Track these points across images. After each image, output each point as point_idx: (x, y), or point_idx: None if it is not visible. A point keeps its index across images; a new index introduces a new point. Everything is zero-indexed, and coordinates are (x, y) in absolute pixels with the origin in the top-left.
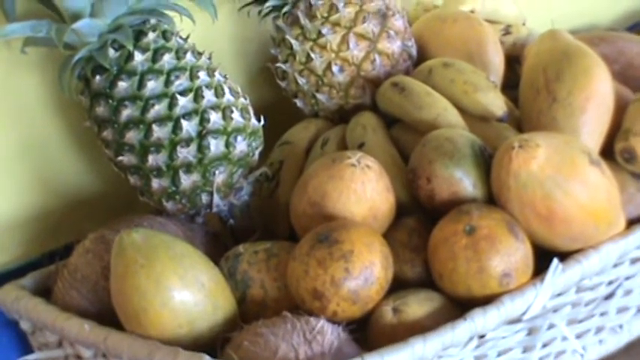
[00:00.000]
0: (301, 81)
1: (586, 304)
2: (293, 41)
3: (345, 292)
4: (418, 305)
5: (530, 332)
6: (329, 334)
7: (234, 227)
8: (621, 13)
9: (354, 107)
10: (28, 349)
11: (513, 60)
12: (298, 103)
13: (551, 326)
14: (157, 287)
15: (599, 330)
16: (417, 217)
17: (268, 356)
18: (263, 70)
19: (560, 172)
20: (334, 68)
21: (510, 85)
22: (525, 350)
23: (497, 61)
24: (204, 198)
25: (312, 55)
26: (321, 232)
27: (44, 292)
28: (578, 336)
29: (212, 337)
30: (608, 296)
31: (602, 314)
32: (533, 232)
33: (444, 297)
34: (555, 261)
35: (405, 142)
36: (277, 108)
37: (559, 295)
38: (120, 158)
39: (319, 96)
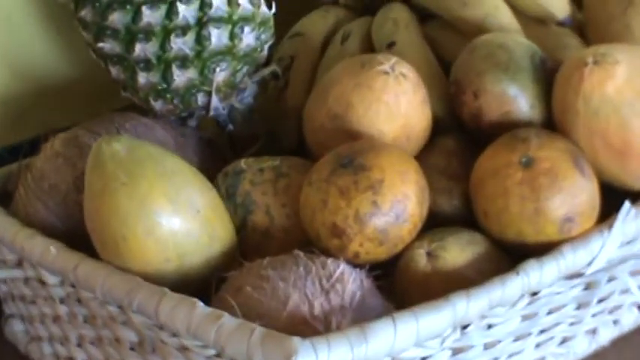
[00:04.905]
0: None
1: None
2: None
3: (371, 231)
4: (459, 250)
5: (588, 287)
6: (350, 283)
7: (232, 134)
8: None
9: None
10: None
11: None
12: None
13: (611, 279)
14: (141, 211)
15: None
16: (456, 137)
17: (276, 307)
18: None
19: None
20: None
21: None
22: (579, 307)
23: None
24: (201, 99)
25: None
26: (344, 153)
27: (2, 196)
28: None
29: (206, 275)
30: None
31: None
32: (601, 167)
33: (488, 240)
34: (627, 204)
35: (444, 43)
36: None
37: (628, 243)
38: (100, 44)
39: None
